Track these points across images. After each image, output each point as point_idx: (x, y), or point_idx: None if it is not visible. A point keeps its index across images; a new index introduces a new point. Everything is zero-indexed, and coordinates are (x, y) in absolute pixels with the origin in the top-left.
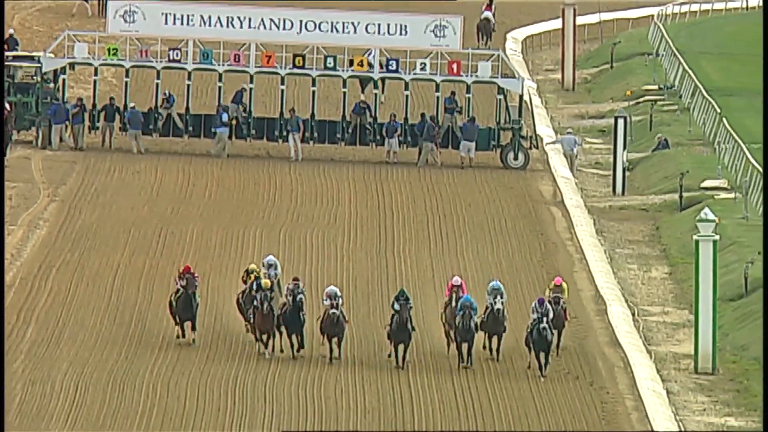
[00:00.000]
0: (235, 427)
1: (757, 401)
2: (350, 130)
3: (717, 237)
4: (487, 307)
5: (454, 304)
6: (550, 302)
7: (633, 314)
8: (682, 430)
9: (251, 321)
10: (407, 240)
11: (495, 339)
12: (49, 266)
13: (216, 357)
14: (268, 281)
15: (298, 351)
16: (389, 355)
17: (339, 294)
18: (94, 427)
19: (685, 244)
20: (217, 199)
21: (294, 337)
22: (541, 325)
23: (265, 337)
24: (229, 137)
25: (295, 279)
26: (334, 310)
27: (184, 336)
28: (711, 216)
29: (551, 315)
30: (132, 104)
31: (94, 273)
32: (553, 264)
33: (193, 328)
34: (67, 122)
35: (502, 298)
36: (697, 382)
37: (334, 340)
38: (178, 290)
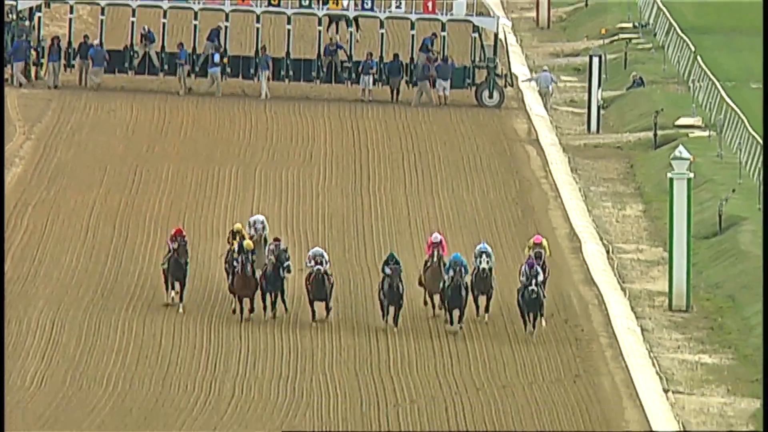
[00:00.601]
0: (210, 364)
1: (730, 338)
2: (325, 69)
3: (691, 175)
4: (474, 269)
5: (435, 262)
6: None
7: (607, 252)
8: (657, 368)
9: (231, 281)
10: (382, 178)
11: (483, 299)
12: (25, 204)
13: (192, 295)
14: (250, 242)
15: (274, 315)
16: (385, 320)
17: (325, 255)
18: (70, 364)
19: (659, 182)
20: (192, 137)
21: (274, 297)
22: (530, 288)
23: (245, 301)
24: (204, 76)
25: (276, 239)
26: (318, 267)
27: (173, 301)
28: (685, 154)
29: (540, 277)
30: (95, 42)
31: (69, 211)
32: (528, 202)
33: (182, 292)
34: (27, 60)
35: (489, 258)
36: (671, 319)
37: (321, 303)
38: (168, 251)
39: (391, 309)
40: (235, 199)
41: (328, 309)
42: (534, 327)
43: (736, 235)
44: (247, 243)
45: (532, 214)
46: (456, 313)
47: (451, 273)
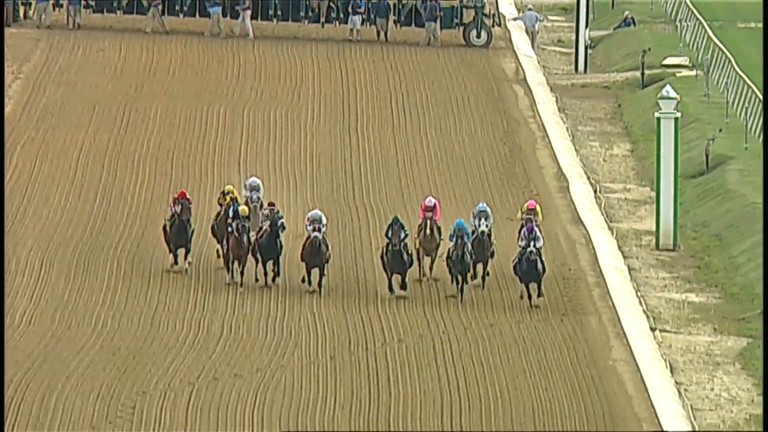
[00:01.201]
0: (199, 303)
1: (717, 277)
2: (313, 9)
3: (678, 114)
4: (473, 231)
5: (428, 229)
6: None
7: (595, 191)
8: (644, 307)
9: (225, 247)
10: (370, 118)
11: (480, 265)
12: (14, 143)
13: None
14: (245, 208)
15: (273, 280)
16: (390, 289)
17: (323, 220)
18: (59, 303)
19: (646, 122)
20: (181, 77)
21: (270, 264)
22: (529, 249)
23: (236, 264)
24: (192, 15)
25: (271, 204)
26: (316, 234)
27: (176, 263)
28: (672, 93)
29: (540, 243)
30: None
31: (58, 150)
32: (516, 141)
33: (186, 256)
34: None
35: (487, 220)
36: (658, 258)
37: (315, 270)
38: (172, 215)
39: (397, 277)
40: (224, 139)
41: (321, 276)
42: (530, 297)
43: (723, 174)
44: (242, 209)
45: (520, 153)
46: (459, 279)
47: (455, 241)
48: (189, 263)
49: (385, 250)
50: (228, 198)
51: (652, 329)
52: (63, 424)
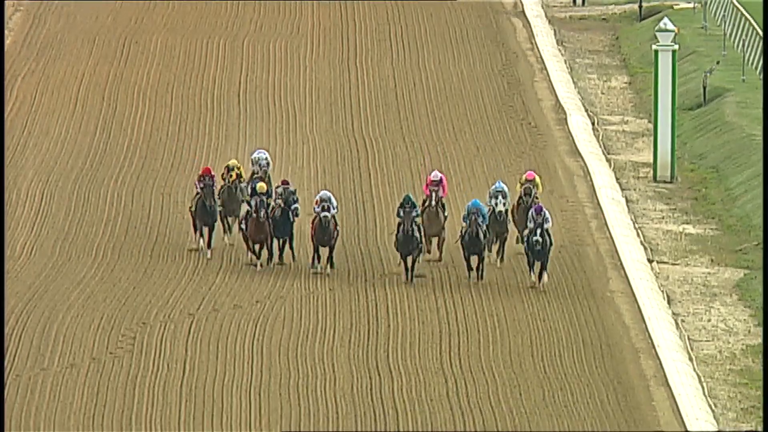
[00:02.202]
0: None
1: (714, 209)
2: None
3: (676, 46)
4: (490, 210)
5: (434, 205)
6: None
7: (593, 123)
8: (641, 238)
9: (244, 229)
10: (369, 50)
11: (497, 243)
12: (14, 75)
13: (180, 167)
14: (263, 184)
15: (280, 258)
16: (407, 275)
17: (333, 201)
18: (60, 234)
19: (644, 54)
20: (180, 9)
21: (282, 243)
22: (534, 238)
23: (257, 247)
24: None
25: (284, 182)
26: (325, 213)
27: (200, 245)
28: (670, 26)
29: (548, 224)
30: None
31: (58, 82)
32: (514, 74)
33: (210, 237)
34: None
35: (504, 199)
36: (655, 190)
37: (325, 249)
38: (196, 194)
39: (408, 260)
40: (223, 71)
41: (331, 257)
42: (539, 279)
43: (720, 106)
44: (260, 186)
45: (518, 86)
46: (474, 259)
47: (468, 221)
48: (211, 250)
49: (396, 232)
50: (234, 174)
51: (650, 260)
52: (63, 355)
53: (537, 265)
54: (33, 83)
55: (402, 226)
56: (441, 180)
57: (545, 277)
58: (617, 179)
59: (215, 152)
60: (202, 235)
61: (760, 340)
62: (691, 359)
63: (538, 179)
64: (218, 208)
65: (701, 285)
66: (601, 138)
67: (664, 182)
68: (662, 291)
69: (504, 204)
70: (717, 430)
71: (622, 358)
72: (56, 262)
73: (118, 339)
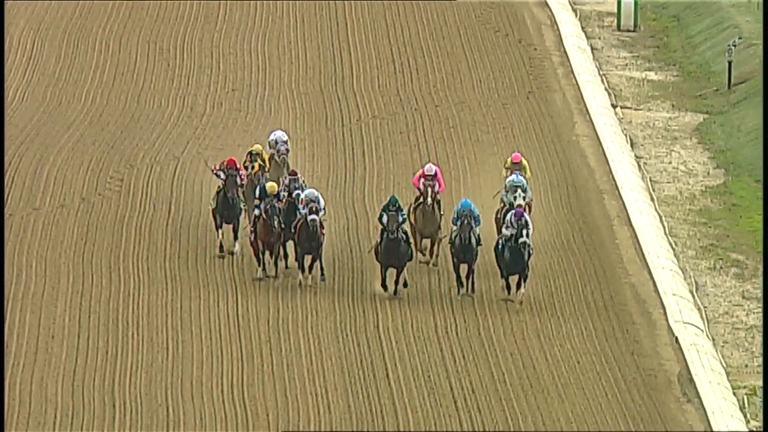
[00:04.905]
0: (184, 83)
1: (675, 56)
2: None
3: None
4: (503, 204)
5: (429, 202)
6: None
7: None
8: (606, 84)
9: (253, 234)
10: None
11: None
12: None
13: (165, 17)
14: (274, 185)
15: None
16: (384, 286)
17: (321, 201)
18: (50, 80)
19: None
20: None
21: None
22: (521, 240)
23: (267, 254)
24: None
25: (293, 173)
26: (313, 216)
27: (222, 250)
28: None
29: (530, 230)
30: None
31: None
32: None
33: (235, 236)
34: None
35: (525, 193)
36: (619, 38)
37: (309, 257)
38: (219, 188)
39: (392, 272)
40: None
41: (321, 268)
42: (509, 289)
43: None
44: (271, 185)
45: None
46: (464, 268)
47: (459, 224)
48: (238, 243)
49: (379, 240)
50: (257, 165)
51: (614, 106)
52: (54, 195)
53: (514, 277)
54: None
55: (385, 232)
56: (436, 173)
57: (523, 288)
58: (583, 28)
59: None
60: (222, 233)
61: (718, 181)
62: (652, 199)
63: (525, 162)
64: (242, 204)
65: (663, 129)
66: None
67: (628, 31)
68: (625, 135)
69: (524, 198)
70: (717, 430)
71: (587, 199)
72: (47, 107)
73: (107, 180)
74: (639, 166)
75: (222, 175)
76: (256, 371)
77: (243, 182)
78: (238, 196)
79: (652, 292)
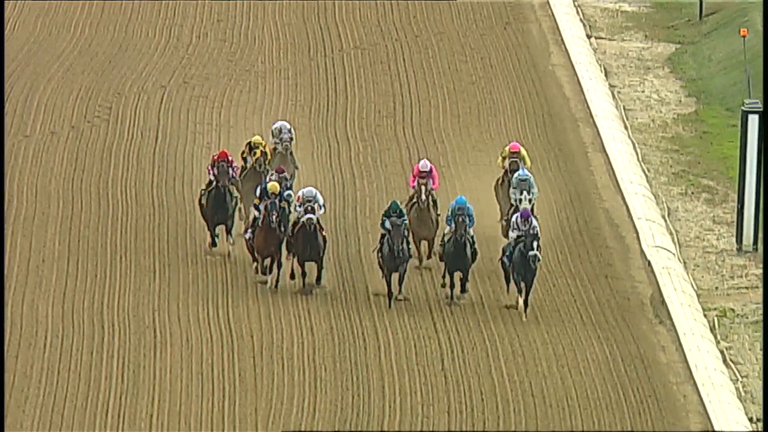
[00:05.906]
0: (170, 13)
1: None
2: None
3: None
4: (510, 204)
5: (423, 200)
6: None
7: None
8: (581, 15)
9: (251, 238)
10: None
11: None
12: None
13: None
14: (276, 184)
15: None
16: (390, 296)
17: (318, 199)
18: (40, 11)
19: None
20: None
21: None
22: (530, 253)
23: (267, 261)
24: None
25: (280, 169)
26: (310, 216)
27: (215, 245)
28: None
29: (539, 239)
30: None
31: None
32: None
33: (229, 233)
34: None
35: (531, 189)
36: None
37: (308, 264)
38: (209, 183)
39: (394, 277)
40: None
41: (320, 273)
42: (527, 302)
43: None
44: (272, 185)
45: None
46: (458, 275)
47: (452, 224)
48: (232, 243)
49: (380, 245)
50: (258, 153)
51: (588, 36)
52: (45, 123)
53: (524, 285)
54: None
55: (387, 238)
56: (431, 170)
57: (527, 300)
58: None
59: None
60: (215, 234)
61: (690, 109)
62: (626, 127)
63: (524, 151)
64: (238, 198)
65: (636, 59)
66: None
67: None
68: (600, 65)
69: (530, 199)
70: (718, 430)
71: (562, 127)
72: (37, 36)
73: (96, 108)
74: (613, 94)
75: (214, 170)
76: (241, 294)
77: (235, 175)
78: (229, 192)
79: (626, 216)
